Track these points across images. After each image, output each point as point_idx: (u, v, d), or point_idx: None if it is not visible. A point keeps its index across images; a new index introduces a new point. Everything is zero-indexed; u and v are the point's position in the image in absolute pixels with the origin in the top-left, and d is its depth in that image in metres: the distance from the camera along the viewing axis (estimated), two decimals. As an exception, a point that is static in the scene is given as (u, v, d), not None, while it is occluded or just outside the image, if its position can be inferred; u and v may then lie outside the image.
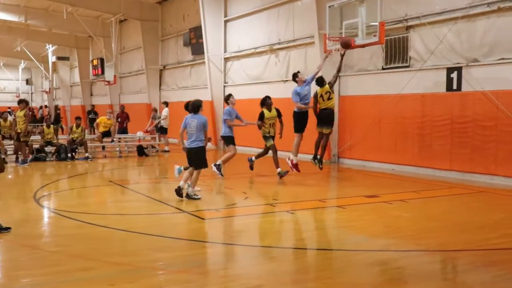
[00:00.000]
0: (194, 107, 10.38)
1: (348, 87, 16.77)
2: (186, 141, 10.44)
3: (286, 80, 19.13)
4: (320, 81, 13.15)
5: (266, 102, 13.34)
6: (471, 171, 12.93)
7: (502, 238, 7.41)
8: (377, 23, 12.45)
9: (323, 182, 13.65)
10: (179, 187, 10.22)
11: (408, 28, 14.68)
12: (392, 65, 15.21)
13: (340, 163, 16.85)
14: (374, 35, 12.55)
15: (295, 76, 13.49)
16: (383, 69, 15.53)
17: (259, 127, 13.30)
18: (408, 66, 14.71)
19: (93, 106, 31.17)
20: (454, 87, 13.41)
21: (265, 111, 13.23)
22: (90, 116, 26.72)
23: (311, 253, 6.91)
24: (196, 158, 10.23)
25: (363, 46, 13.33)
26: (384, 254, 6.81)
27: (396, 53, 15.02)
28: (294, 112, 13.25)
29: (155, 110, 23.70)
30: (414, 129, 14.35)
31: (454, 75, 13.39)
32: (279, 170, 13.03)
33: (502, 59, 12.42)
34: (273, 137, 13.36)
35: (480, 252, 6.73)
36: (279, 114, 13.33)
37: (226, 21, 23.11)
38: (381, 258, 6.65)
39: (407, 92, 14.40)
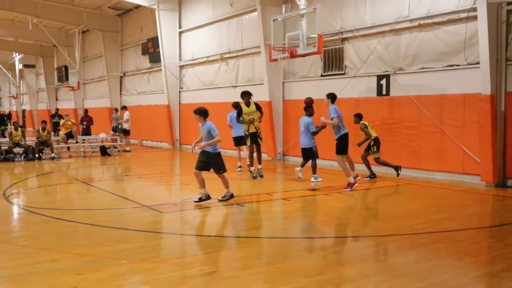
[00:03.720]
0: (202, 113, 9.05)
1: (292, 92, 16.94)
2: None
3: (236, 86, 19.16)
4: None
5: (242, 96, 12.12)
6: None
7: (425, 224, 7.65)
8: (316, 35, 12.61)
9: (270, 177, 13.71)
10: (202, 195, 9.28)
11: (343, 40, 14.94)
12: (330, 73, 15.45)
13: (285, 161, 16.99)
14: (314, 46, 12.72)
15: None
16: (322, 76, 15.76)
17: (251, 121, 11.92)
18: (343, 74, 14.96)
19: (57, 109, 30.19)
20: (384, 92, 13.75)
21: (243, 106, 12.12)
22: (54, 120, 25.78)
23: (260, 241, 6.94)
24: (213, 163, 9.15)
25: (304, 55, 13.50)
26: (324, 240, 6.92)
27: (333, 62, 15.27)
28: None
29: (116, 110, 23.31)
30: (349, 130, 14.54)
31: (383, 81, 13.72)
32: (251, 169, 12.44)
33: (423, 68, 12.83)
34: (253, 135, 12.12)
35: (406, 236, 6.93)
36: (258, 108, 12.24)
37: (180, 32, 22.92)
38: (321, 244, 6.75)
39: (343, 97, 14.63)
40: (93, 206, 9.39)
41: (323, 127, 11.99)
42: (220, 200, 9.27)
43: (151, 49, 24.71)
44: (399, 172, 12.44)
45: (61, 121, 20.31)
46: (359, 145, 12.61)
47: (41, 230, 7.37)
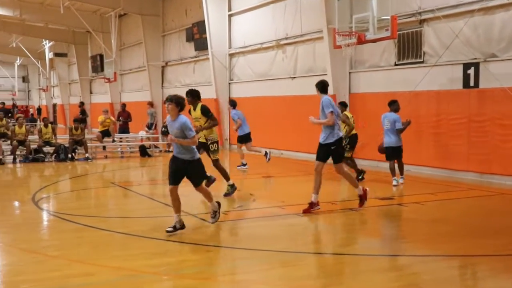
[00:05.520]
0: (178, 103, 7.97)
1: (359, 84, 16.75)
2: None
3: (294, 77, 19.14)
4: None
5: (186, 96, 10.38)
6: (489, 172, 12.86)
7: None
8: (389, 17, 12.42)
9: (334, 183, 13.62)
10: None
11: (421, 22, 14.63)
12: (405, 61, 15.18)
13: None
14: (386, 30, 12.53)
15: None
16: (395, 65, 15.50)
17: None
18: (422, 62, 14.66)
19: (81, 103, 30.74)
20: (471, 83, 13.35)
21: (191, 109, 10.78)
22: (81, 116, 25.71)
23: (321, 257, 6.90)
24: (194, 173, 8.29)
25: (374, 41, 13.31)
26: (399, 259, 6.80)
27: (409, 48, 14.98)
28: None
29: (151, 104, 23.68)
30: (429, 128, 14.32)
31: (471, 71, 13.33)
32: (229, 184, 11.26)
33: (521, 54, 12.38)
34: (204, 146, 10.95)
35: (499, 258, 6.70)
36: (205, 113, 10.62)
37: (230, 16, 23.11)
38: (396, 263, 6.64)
39: (421, 89, 14.34)
40: (130, 214, 9.63)
41: (409, 123, 12.44)
42: (213, 222, 8.37)
43: (197, 35, 25.04)
44: (360, 178, 12.89)
45: (100, 118, 20.91)
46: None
47: (73, 239, 7.62)
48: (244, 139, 15.80)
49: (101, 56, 35.76)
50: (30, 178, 15.40)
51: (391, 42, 15.12)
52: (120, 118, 23.38)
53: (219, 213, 8.42)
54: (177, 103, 7.84)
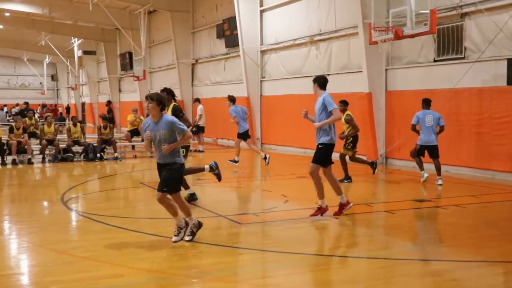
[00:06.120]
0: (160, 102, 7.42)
1: (396, 82, 16.59)
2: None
3: (328, 74, 19.06)
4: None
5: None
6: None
7: None
8: (427, 11, 12.31)
9: (369, 185, 13.54)
10: None
11: (463, 15, 14.42)
12: (445, 57, 14.98)
13: (388, 164, 16.69)
14: (425, 24, 12.42)
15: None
16: (434, 61, 15.31)
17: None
18: (463, 58, 14.45)
19: (109, 102, 31.05)
20: (517, 80, 13.13)
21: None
22: (108, 115, 25.73)
23: (354, 261, 6.86)
24: (170, 176, 7.52)
25: (412, 36, 13.20)
26: (438, 264, 6.72)
27: (450, 43, 14.78)
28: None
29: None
30: (470, 127, 14.10)
31: (516, 66, 13.12)
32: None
33: None
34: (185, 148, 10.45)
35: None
36: (176, 113, 10.01)
37: (262, 11, 23.14)
38: (435, 268, 6.56)
39: (462, 86, 14.14)
40: (160, 215, 9.68)
41: None
42: (175, 241, 7.41)
43: (228, 32, 25.13)
44: (375, 168, 13.28)
45: (129, 118, 21.17)
46: (342, 138, 12.83)
47: (102, 240, 7.72)
48: (243, 136, 16.38)
49: (130, 53, 36.19)
50: (59, 178, 15.67)
51: (430, 37, 14.94)
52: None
53: (184, 232, 7.44)
54: (158, 101, 7.26)
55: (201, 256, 6.92)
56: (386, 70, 16.89)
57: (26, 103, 36.65)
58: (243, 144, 16.59)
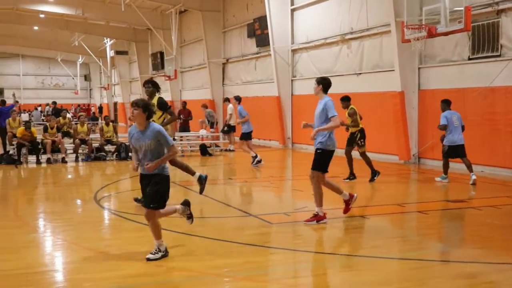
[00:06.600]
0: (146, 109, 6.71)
1: (429, 80, 16.39)
2: None
3: (359, 73, 18.94)
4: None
5: (144, 86, 10.42)
6: None
7: None
8: (462, 8, 12.17)
9: (402, 185, 13.42)
10: None
11: (499, 12, 14.17)
12: (480, 55, 14.73)
13: (421, 164, 16.50)
14: (459, 22, 12.28)
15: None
16: (469, 59, 15.07)
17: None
18: (499, 56, 14.20)
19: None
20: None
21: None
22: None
23: (386, 262, 6.79)
24: (155, 190, 6.81)
25: (446, 34, 13.05)
26: (473, 266, 6.61)
27: (485, 41, 14.53)
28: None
29: (206, 106, 23.89)
30: (506, 127, 13.84)
31: (554, 64, 12.85)
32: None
33: None
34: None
35: None
36: (161, 106, 10.03)
37: (293, 10, 23.09)
38: (469, 270, 6.46)
39: (498, 85, 13.89)
40: (193, 214, 9.76)
41: None
42: (149, 259, 6.61)
43: (258, 31, 25.16)
44: (375, 178, 12.76)
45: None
46: (347, 129, 12.91)
47: (134, 239, 7.80)
48: (249, 135, 17.08)
49: (162, 53, 36.52)
50: (92, 177, 15.88)
51: (465, 35, 14.72)
52: (181, 116, 23.77)
53: (163, 252, 6.72)
54: (144, 108, 6.59)
55: (232, 255, 6.93)
56: (419, 68, 16.70)
57: (54, 103, 37.22)
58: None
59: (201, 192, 9.93)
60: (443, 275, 6.20)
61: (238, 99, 18.04)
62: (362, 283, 5.91)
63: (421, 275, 6.21)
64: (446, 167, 12.71)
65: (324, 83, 9.00)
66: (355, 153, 13.13)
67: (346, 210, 9.02)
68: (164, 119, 10.11)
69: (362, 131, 12.86)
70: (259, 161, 16.20)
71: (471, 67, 14.93)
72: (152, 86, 10.06)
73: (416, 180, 14.20)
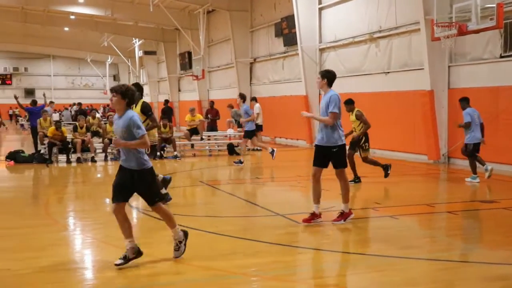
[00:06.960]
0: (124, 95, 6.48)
1: (460, 79, 16.20)
2: None
3: (388, 72, 18.80)
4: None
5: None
6: None
7: None
8: (494, 5, 12.01)
9: (431, 185, 13.29)
10: None
11: (531, 9, 13.97)
12: None
13: (450, 164, 16.33)
14: (491, 19, 12.13)
15: None
16: (501, 57, 14.86)
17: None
18: (531, 54, 13.99)
19: (166, 101, 31.38)
20: None
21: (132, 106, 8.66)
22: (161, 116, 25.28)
23: (416, 263, 6.74)
24: (143, 187, 6.71)
25: (477, 31, 12.89)
26: (503, 268, 6.53)
27: (517, 38, 14.33)
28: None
29: (231, 107, 23.89)
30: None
31: None
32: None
33: None
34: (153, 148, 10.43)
35: None
36: (144, 111, 9.73)
37: (320, 9, 23.02)
38: (501, 272, 6.38)
39: (530, 84, 13.70)
40: (219, 213, 9.82)
41: None
42: (177, 256, 6.73)
43: (286, 30, 25.15)
44: (388, 172, 12.48)
45: (187, 118, 21.45)
46: (354, 140, 12.48)
47: (162, 237, 7.86)
48: (253, 133, 17.35)
49: (189, 53, 36.73)
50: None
51: (496, 32, 14.51)
52: (209, 115, 23.86)
53: (184, 245, 6.76)
54: (122, 94, 6.37)
55: (259, 255, 6.95)
56: (449, 67, 16.52)
57: (79, 104, 37.71)
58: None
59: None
60: (472, 277, 6.13)
61: (244, 97, 18.04)
62: (389, 284, 5.88)
63: (449, 276, 6.15)
64: (474, 166, 12.56)
65: (328, 77, 8.79)
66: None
67: (308, 220, 8.59)
68: (148, 124, 9.77)
69: (366, 134, 12.58)
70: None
71: (503, 65, 14.71)
72: (137, 90, 9.46)
73: (445, 180, 14.06)
